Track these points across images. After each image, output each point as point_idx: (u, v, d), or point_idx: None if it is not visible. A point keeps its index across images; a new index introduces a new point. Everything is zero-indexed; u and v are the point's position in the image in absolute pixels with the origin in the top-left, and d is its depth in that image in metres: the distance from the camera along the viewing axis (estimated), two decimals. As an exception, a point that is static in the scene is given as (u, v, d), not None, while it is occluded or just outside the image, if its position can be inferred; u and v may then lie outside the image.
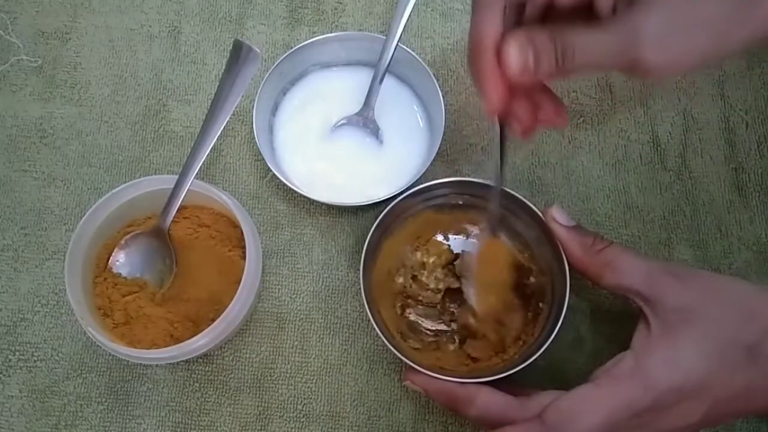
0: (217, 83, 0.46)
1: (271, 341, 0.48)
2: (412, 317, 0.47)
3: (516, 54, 0.33)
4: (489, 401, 0.39)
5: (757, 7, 0.32)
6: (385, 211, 0.45)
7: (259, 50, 0.46)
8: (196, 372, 0.47)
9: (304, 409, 0.46)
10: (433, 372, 0.41)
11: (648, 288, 0.38)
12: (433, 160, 0.47)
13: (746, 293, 0.38)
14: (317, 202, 0.49)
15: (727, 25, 0.32)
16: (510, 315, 0.45)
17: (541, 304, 0.45)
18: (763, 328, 0.36)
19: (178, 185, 0.45)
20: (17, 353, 0.48)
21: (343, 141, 0.51)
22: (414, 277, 0.47)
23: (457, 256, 0.48)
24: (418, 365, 0.41)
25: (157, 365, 0.47)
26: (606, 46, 0.33)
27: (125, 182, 0.46)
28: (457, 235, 0.49)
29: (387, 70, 0.50)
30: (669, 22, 0.31)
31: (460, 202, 0.48)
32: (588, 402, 0.36)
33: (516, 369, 0.41)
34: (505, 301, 0.45)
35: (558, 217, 0.43)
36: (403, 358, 0.42)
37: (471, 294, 0.45)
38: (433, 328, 0.47)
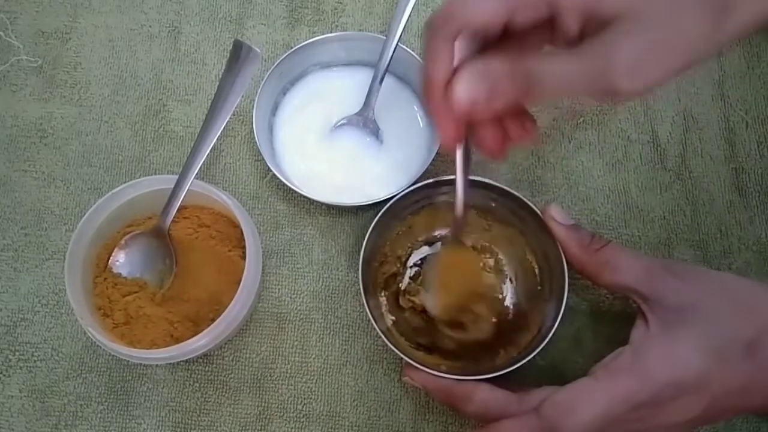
0: (217, 83, 0.46)
1: (271, 341, 0.48)
2: (410, 315, 0.47)
3: (463, 90, 0.33)
4: (487, 397, 0.40)
5: (728, 19, 0.31)
6: (384, 209, 0.45)
7: (259, 50, 0.46)
8: (196, 372, 0.47)
9: (304, 409, 0.46)
10: (432, 369, 0.41)
11: (646, 286, 0.39)
12: (433, 159, 0.47)
13: (745, 290, 0.38)
14: (317, 202, 0.49)
15: (700, 43, 0.32)
16: (475, 321, 0.45)
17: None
18: (762, 325, 0.36)
19: (178, 185, 0.45)
20: (17, 353, 0.48)
21: (343, 141, 0.51)
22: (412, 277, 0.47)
23: None
24: (417, 363, 0.41)
25: (157, 365, 0.47)
26: (576, 74, 0.32)
27: (125, 182, 0.46)
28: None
29: (387, 70, 0.50)
30: (643, 49, 0.31)
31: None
32: (585, 395, 0.36)
33: (514, 366, 0.41)
34: (464, 307, 0.45)
35: (557, 216, 0.43)
36: (404, 357, 0.42)
37: (428, 298, 0.45)
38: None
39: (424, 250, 0.49)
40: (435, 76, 0.34)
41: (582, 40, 0.32)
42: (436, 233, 0.49)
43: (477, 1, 0.33)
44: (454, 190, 0.41)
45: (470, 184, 0.46)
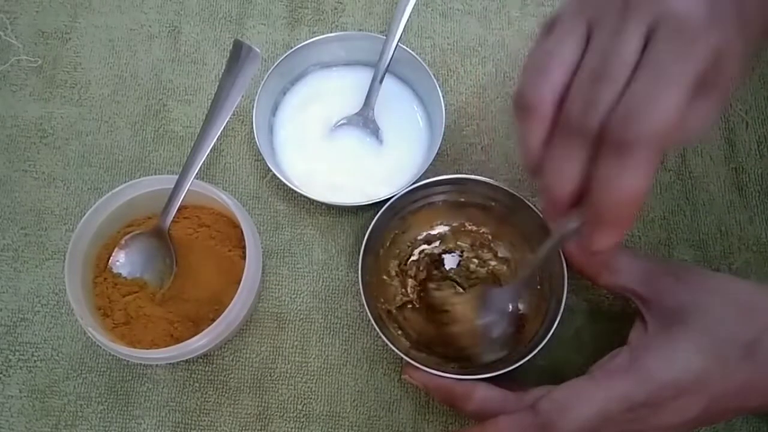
0: (217, 83, 0.46)
1: (271, 341, 0.48)
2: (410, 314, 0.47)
3: None
4: (486, 396, 0.40)
5: None
6: (384, 209, 0.45)
7: (259, 50, 0.46)
8: (196, 372, 0.47)
9: (304, 409, 0.46)
10: (431, 369, 0.41)
11: (645, 287, 0.39)
12: (433, 159, 0.47)
13: (744, 291, 0.38)
14: (317, 202, 0.49)
15: None
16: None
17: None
18: (761, 326, 0.36)
19: (178, 185, 0.45)
20: (17, 353, 0.48)
21: (343, 141, 0.51)
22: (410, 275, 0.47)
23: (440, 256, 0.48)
24: (417, 363, 0.41)
25: (157, 365, 0.47)
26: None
27: (125, 182, 0.46)
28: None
29: (387, 70, 0.50)
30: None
31: (462, 200, 0.48)
32: (582, 393, 0.36)
33: (514, 366, 0.41)
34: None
35: None
36: (404, 356, 0.42)
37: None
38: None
39: (424, 249, 0.49)
40: (645, 192, 0.29)
41: None
42: (436, 232, 0.49)
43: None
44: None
45: (470, 184, 0.46)
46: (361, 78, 0.52)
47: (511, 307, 0.46)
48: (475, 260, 0.48)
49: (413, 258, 0.49)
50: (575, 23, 0.30)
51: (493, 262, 0.48)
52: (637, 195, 0.29)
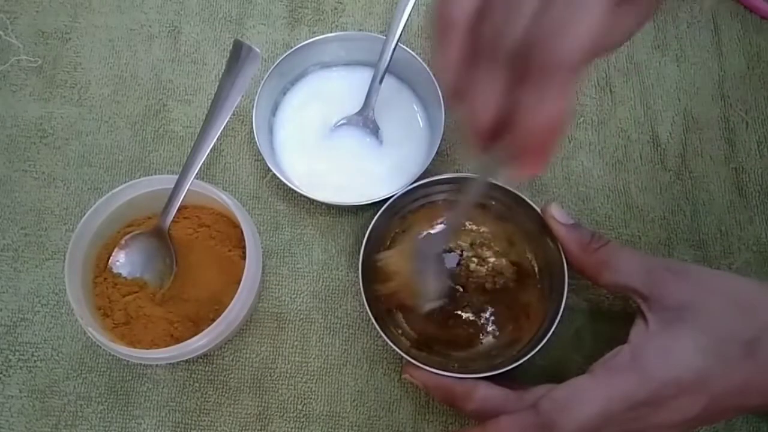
0: (217, 83, 0.46)
1: (271, 341, 0.48)
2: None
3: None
4: (487, 395, 0.40)
5: None
6: (384, 208, 0.45)
7: (259, 50, 0.46)
8: (196, 372, 0.47)
9: (304, 409, 0.46)
10: (432, 368, 0.41)
11: (645, 286, 0.39)
12: (433, 159, 0.48)
13: (744, 289, 0.38)
14: (317, 202, 0.49)
15: None
16: None
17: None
18: (762, 324, 0.36)
19: (178, 185, 0.45)
20: (17, 353, 0.48)
21: (343, 141, 0.51)
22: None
23: None
24: (418, 362, 0.41)
25: (157, 365, 0.47)
26: None
27: (125, 182, 0.46)
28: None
29: (387, 70, 0.50)
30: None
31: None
32: (583, 392, 0.36)
33: (514, 366, 0.41)
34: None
35: (557, 215, 0.43)
36: (404, 356, 0.42)
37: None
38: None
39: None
40: (564, 116, 0.28)
41: None
42: (436, 231, 0.49)
43: None
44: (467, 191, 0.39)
45: (471, 183, 0.46)
46: (361, 78, 0.52)
47: (443, 252, 0.46)
48: (475, 259, 0.48)
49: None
50: None
51: (492, 259, 0.48)
52: (559, 117, 0.28)
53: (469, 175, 0.46)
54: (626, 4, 0.29)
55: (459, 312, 0.47)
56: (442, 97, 0.39)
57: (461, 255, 0.48)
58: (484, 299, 0.47)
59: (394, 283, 0.44)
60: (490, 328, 0.47)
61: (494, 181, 0.46)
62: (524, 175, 0.31)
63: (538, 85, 0.27)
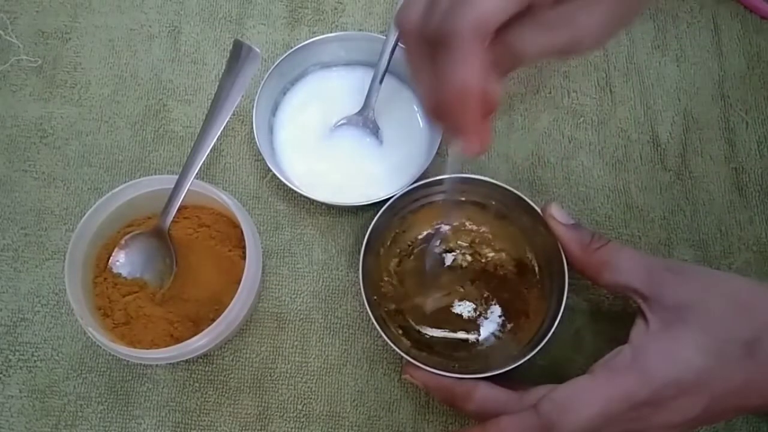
0: (217, 83, 0.46)
1: (271, 341, 0.48)
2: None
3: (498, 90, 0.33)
4: (487, 396, 0.40)
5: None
6: (384, 208, 0.45)
7: (259, 50, 0.46)
8: (196, 372, 0.47)
9: (304, 409, 0.46)
10: (432, 368, 0.41)
11: (646, 285, 0.39)
12: (433, 159, 0.48)
13: (745, 289, 0.38)
14: (317, 202, 0.49)
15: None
16: None
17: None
18: (762, 324, 0.36)
19: (178, 185, 0.45)
20: (17, 353, 0.48)
21: (343, 141, 0.51)
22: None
23: None
24: (418, 362, 0.41)
25: (157, 365, 0.47)
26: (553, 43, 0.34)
27: (125, 182, 0.46)
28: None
29: (387, 70, 0.50)
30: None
31: (462, 199, 0.48)
32: (583, 393, 0.36)
33: (513, 366, 0.41)
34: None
35: (557, 215, 0.43)
36: (404, 356, 0.42)
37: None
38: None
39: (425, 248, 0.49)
40: (473, 84, 0.31)
41: None
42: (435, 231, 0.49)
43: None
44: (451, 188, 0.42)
45: (471, 182, 0.46)
46: (361, 78, 0.52)
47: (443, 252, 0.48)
48: (476, 256, 0.48)
49: (413, 257, 0.49)
50: None
51: (491, 254, 0.48)
52: (466, 86, 0.31)
53: (469, 175, 0.46)
54: (533, 21, 0.31)
55: (459, 312, 0.47)
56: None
57: (461, 254, 0.48)
58: (485, 299, 0.47)
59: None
60: (490, 328, 0.47)
61: (495, 182, 0.46)
62: (469, 152, 0.34)
63: (444, 55, 0.31)
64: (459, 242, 0.49)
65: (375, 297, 0.46)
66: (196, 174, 0.45)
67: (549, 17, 0.32)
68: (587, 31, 0.32)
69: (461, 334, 0.46)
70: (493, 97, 0.33)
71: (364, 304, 0.43)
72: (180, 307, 0.46)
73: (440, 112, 0.34)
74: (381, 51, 0.49)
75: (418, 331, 0.47)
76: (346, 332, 0.48)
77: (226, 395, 0.47)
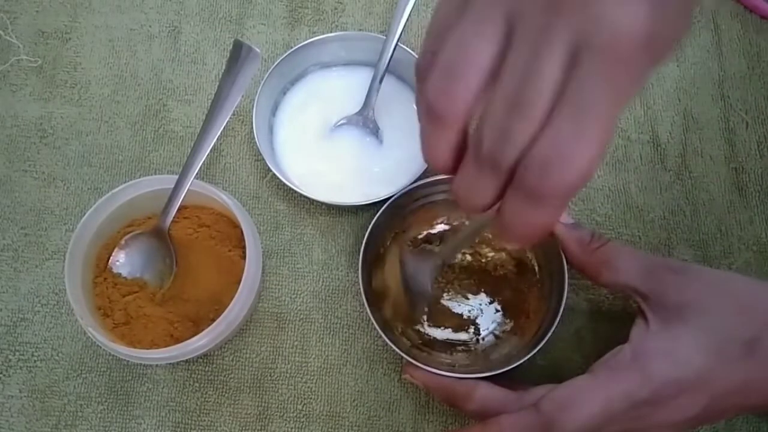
0: (217, 83, 0.46)
1: (271, 341, 0.48)
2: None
3: None
4: (487, 395, 0.40)
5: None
6: (384, 208, 0.45)
7: (259, 50, 0.46)
8: (196, 372, 0.47)
9: (304, 409, 0.46)
10: (432, 368, 0.41)
11: (645, 285, 0.39)
12: (433, 160, 0.47)
13: (745, 288, 0.38)
14: (317, 202, 0.49)
15: None
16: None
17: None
18: (762, 323, 0.36)
19: (178, 185, 0.45)
20: (17, 353, 0.48)
21: (343, 141, 0.51)
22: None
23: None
24: (418, 362, 0.41)
25: (157, 365, 0.47)
26: None
27: (125, 182, 0.46)
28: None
29: (387, 70, 0.50)
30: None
31: None
32: (584, 392, 0.36)
33: (514, 365, 0.41)
34: None
35: None
36: (404, 356, 0.42)
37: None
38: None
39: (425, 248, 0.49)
40: (548, 227, 0.28)
41: None
42: (436, 231, 0.49)
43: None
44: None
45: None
46: (361, 78, 0.52)
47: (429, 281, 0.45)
48: (476, 256, 0.48)
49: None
50: (492, 11, 0.25)
51: (491, 254, 0.48)
52: (545, 229, 0.27)
53: None
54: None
55: (459, 312, 0.47)
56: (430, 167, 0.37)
57: (461, 254, 0.48)
58: (485, 298, 0.47)
59: (389, 299, 0.46)
60: (490, 328, 0.47)
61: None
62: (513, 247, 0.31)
63: (532, 204, 0.26)
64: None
65: (375, 297, 0.46)
66: (196, 174, 0.45)
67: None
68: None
69: (461, 334, 0.47)
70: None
71: (364, 304, 0.43)
72: (180, 307, 0.46)
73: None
74: (381, 51, 0.49)
75: (418, 331, 0.47)
76: (346, 332, 0.48)
77: (226, 395, 0.47)
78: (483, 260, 0.48)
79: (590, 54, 0.23)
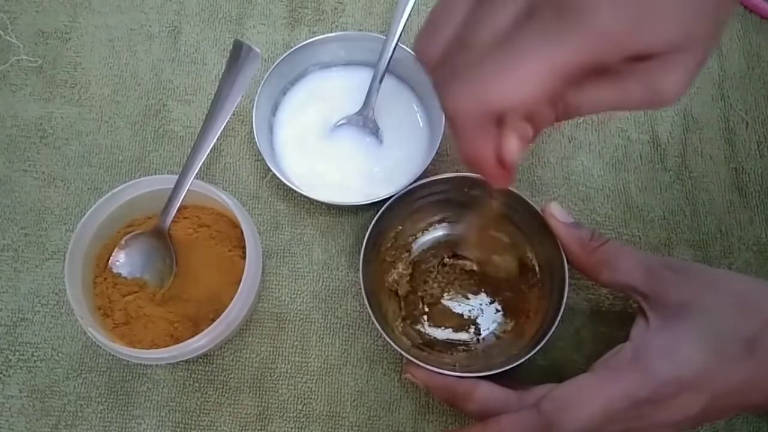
0: (217, 83, 0.46)
1: (271, 341, 0.48)
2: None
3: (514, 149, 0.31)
4: (488, 395, 0.40)
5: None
6: (384, 208, 0.45)
7: (259, 50, 0.46)
8: (196, 372, 0.47)
9: (304, 409, 0.46)
10: (433, 367, 0.41)
11: (646, 284, 0.39)
12: (433, 159, 0.48)
13: (745, 287, 0.38)
14: (317, 202, 0.49)
15: None
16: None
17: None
18: (763, 322, 0.36)
19: (178, 185, 0.45)
20: (17, 353, 0.48)
21: (343, 141, 0.51)
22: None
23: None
24: (419, 362, 0.41)
25: (157, 365, 0.47)
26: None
27: (125, 182, 0.46)
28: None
29: (387, 70, 0.50)
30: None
31: (463, 199, 0.48)
32: (584, 391, 0.36)
33: (514, 365, 0.41)
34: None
35: (557, 214, 0.43)
36: (405, 355, 0.42)
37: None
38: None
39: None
40: (480, 157, 0.31)
41: None
42: (435, 231, 0.49)
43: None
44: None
45: (470, 183, 0.46)
46: (361, 78, 0.52)
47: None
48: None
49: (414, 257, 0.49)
50: None
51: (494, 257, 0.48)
52: (472, 159, 0.30)
53: (470, 175, 0.46)
54: (599, 78, 0.29)
55: (460, 312, 0.47)
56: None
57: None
58: (485, 298, 0.47)
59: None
60: (490, 328, 0.47)
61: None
62: (496, 186, 0.33)
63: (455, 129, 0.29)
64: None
65: (375, 297, 0.46)
66: (196, 174, 0.45)
67: (622, 76, 0.30)
68: (665, 90, 0.29)
69: (462, 334, 0.47)
70: (508, 159, 0.31)
71: (364, 304, 0.43)
72: (180, 307, 0.46)
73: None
74: (381, 51, 0.49)
75: (419, 331, 0.47)
76: (346, 332, 0.48)
77: (226, 395, 0.47)
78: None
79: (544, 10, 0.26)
